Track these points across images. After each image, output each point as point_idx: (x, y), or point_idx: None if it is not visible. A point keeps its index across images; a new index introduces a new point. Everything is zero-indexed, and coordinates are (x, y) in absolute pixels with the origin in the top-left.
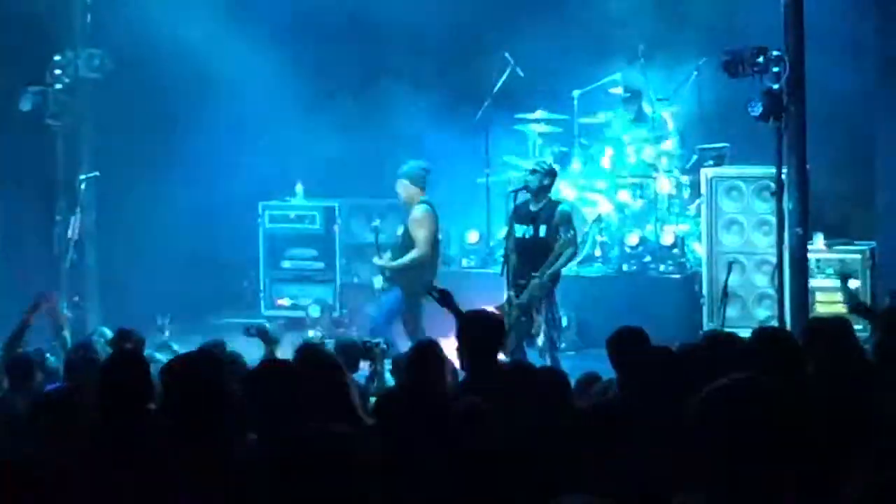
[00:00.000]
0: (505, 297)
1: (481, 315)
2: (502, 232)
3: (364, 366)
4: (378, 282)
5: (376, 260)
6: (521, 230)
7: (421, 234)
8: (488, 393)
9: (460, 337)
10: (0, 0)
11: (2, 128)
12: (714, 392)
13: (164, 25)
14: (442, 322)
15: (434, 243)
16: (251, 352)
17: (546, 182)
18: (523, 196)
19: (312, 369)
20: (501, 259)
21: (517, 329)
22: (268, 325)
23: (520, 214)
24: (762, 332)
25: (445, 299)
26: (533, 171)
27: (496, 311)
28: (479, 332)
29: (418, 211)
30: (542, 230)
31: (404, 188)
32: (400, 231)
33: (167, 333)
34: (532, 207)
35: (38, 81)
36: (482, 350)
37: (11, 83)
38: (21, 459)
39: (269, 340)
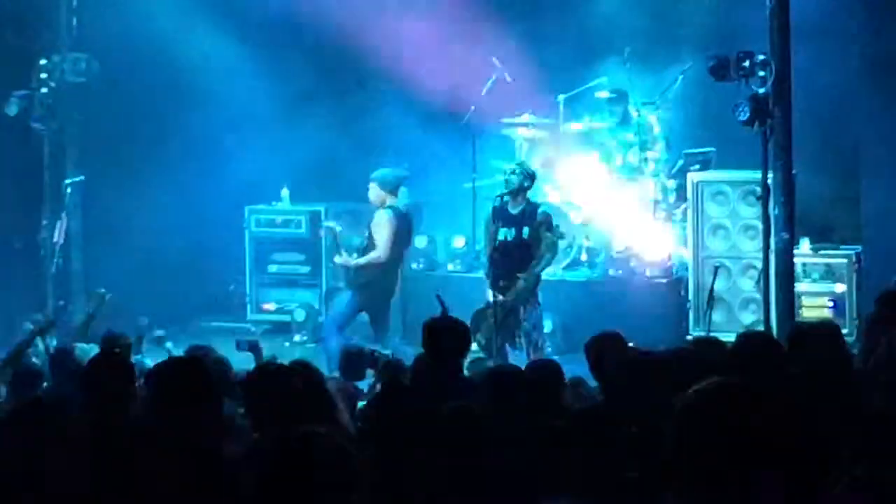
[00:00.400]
0: (490, 297)
1: (449, 322)
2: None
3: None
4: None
5: (337, 259)
6: (503, 233)
7: (380, 238)
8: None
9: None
10: None
11: None
12: (694, 395)
13: (149, 30)
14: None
15: (394, 247)
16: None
17: (526, 184)
18: (503, 199)
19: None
20: (487, 262)
21: (503, 330)
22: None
23: (501, 217)
24: (746, 336)
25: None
26: (512, 172)
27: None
28: (449, 338)
29: (380, 216)
30: (525, 232)
31: (374, 191)
32: (366, 234)
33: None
34: (512, 210)
35: (23, 85)
36: (450, 355)
37: None
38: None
39: (261, 355)
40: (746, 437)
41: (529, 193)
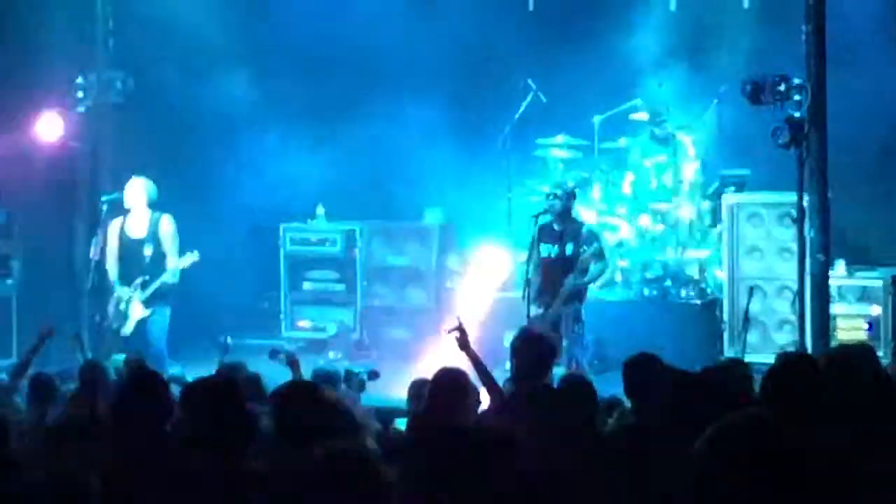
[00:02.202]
0: (531, 314)
1: (535, 336)
2: (522, 256)
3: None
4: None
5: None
6: (546, 249)
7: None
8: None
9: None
10: (24, 23)
11: (24, 150)
12: (720, 430)
13: (184, 48)
14: None
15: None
16: (273, 375)
17: (569, 205)
18: (545, 218)
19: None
20: (523, 283)
21: None
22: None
23: (545, 234)
24: (785, 358)
25: (463, 339)
26: (554, 196)
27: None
28: (533, 353)
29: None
30: (569, 248)
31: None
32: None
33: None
34: (556, 227)
35: (60, 104)
36: (534, 371)
37: (34, 106)
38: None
39: (296, 366)
40: (771, 470)
41: (573, 211)
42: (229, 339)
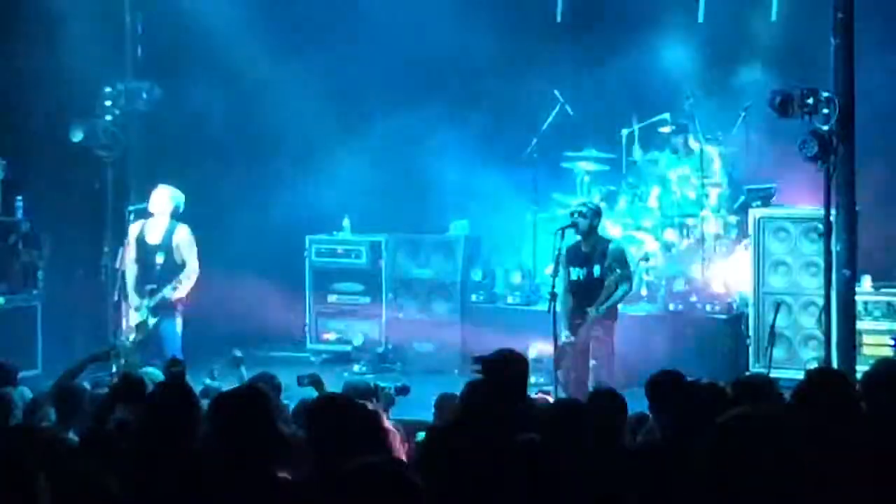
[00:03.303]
0: (563, 337)
1: (509, 355)
2: (548, 268)
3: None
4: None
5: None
6: (575, 273)
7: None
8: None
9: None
10: (51, 33)
11: (52, 159)
12: (725, 423)
13: (212, 58)
14: None
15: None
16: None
17: (595, 223)
18: (571, 237)
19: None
20: (548, 297)
21: (576, 369)
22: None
23: (572, 257)
24: (815, 374)
25: None
26: (580, 214)
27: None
28: (510, 371)
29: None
30: (597, 270)
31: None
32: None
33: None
34: (584, 248)
35: (88, 113)
36: (514, 390)
37: (62, 114)
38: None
39: (322, 388)
40: (775, 466)
41: (599, 229)
42: (238, 352)
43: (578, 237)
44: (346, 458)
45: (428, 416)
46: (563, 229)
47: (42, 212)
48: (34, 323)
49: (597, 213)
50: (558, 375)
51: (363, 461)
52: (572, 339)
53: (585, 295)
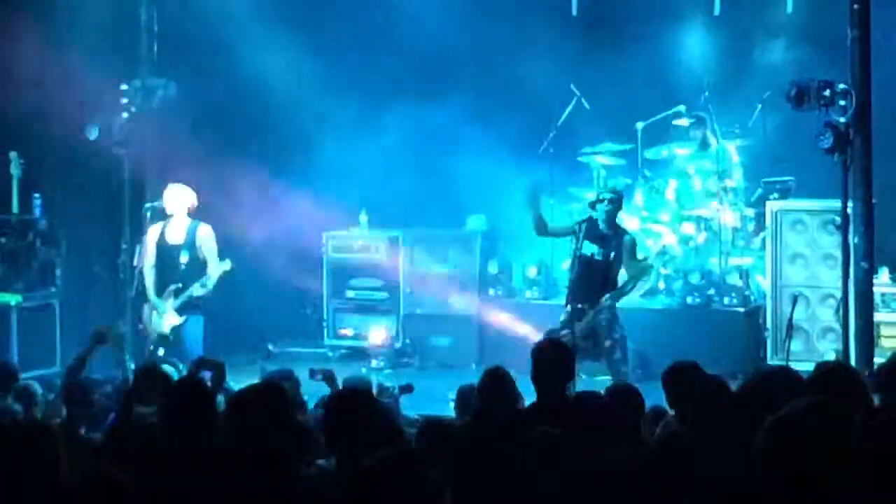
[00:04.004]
0: (562, 320)
1: (551, 344)
2: (566, 263)
3: None
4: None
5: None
6: (588, 248)
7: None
8: (556, 422)
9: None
10: (68, 30)
11: (69, 156)
12: (782, 419)
13: (229, 56)
14: None
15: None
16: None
17: (618, 210)
18: (596, 213)
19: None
20: (566, 290)
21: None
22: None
23: (590, 233)
24: (824, 366)
25: None
26: (608, 201)
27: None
28: (550, 361)
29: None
30: (612, 255)
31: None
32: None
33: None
34: (602, 228)
35: (104, 110)
36: (553, 379)
37: (78, 112)
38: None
39: (335, 384)
40: (835, 460)
41: (617, 218)
42: (272, 347)
43: (602, 220)
44: (364, 453)
45: (444, 410)
46: (580, 223)
47: (59, 209)
48: (52, 320)
49: (616, 200)
50: None
51: (379, 455)
52: (577, 321)
53: (593, 276)
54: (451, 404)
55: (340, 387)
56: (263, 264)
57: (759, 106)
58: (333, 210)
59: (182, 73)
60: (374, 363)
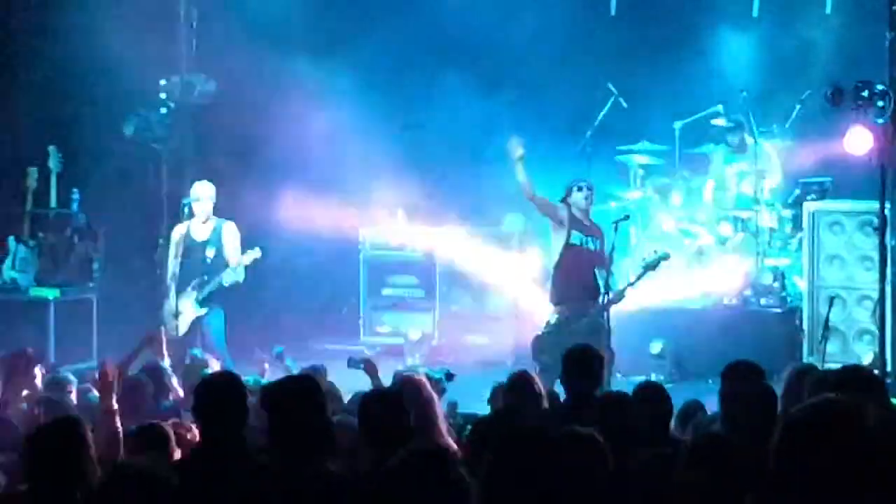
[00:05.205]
0: (551, 321)
1: (582, 348)
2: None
3: None
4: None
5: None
6: (578, 238)
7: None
8: (584, 422)
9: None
10: (107, 26)
11: (108, 152)
12: (796, 414)
13: (266, 51)
14: None
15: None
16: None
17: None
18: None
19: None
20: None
21: None
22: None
23: (576, 223)
24: (847, 367)
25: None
26: (588, 188)
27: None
28: (577, 362)
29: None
30: (596, 245)
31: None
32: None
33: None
34: (585, 222)
35: (143, 105)
36: (583, 381)
37: (117, 107)
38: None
39: (374, 372)
40: (853, 452)
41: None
42: (279, 348)
43: (581, 209)
44: (396, 449)
45: (481, 408)
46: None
47: (97, 204)
48: (90, 315)
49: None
50: (544, 360)
51: (409, 450)
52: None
53: (587, 267)
54: (486, 402)
55: (383, 381)
56: (300, 261)
57: (798, 106)
58: (371, 207)
59: (222, 69)
60: (409, 361)
